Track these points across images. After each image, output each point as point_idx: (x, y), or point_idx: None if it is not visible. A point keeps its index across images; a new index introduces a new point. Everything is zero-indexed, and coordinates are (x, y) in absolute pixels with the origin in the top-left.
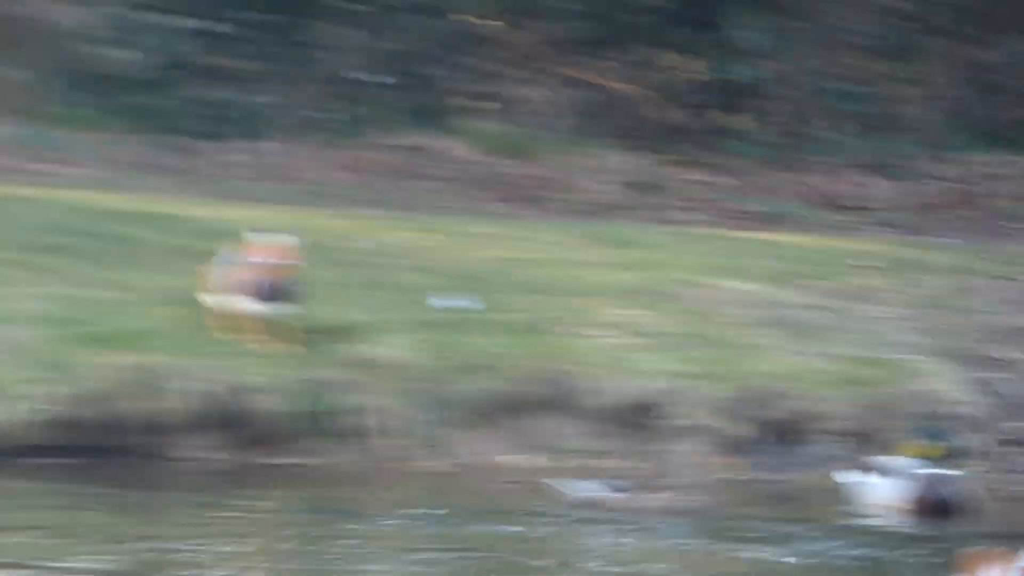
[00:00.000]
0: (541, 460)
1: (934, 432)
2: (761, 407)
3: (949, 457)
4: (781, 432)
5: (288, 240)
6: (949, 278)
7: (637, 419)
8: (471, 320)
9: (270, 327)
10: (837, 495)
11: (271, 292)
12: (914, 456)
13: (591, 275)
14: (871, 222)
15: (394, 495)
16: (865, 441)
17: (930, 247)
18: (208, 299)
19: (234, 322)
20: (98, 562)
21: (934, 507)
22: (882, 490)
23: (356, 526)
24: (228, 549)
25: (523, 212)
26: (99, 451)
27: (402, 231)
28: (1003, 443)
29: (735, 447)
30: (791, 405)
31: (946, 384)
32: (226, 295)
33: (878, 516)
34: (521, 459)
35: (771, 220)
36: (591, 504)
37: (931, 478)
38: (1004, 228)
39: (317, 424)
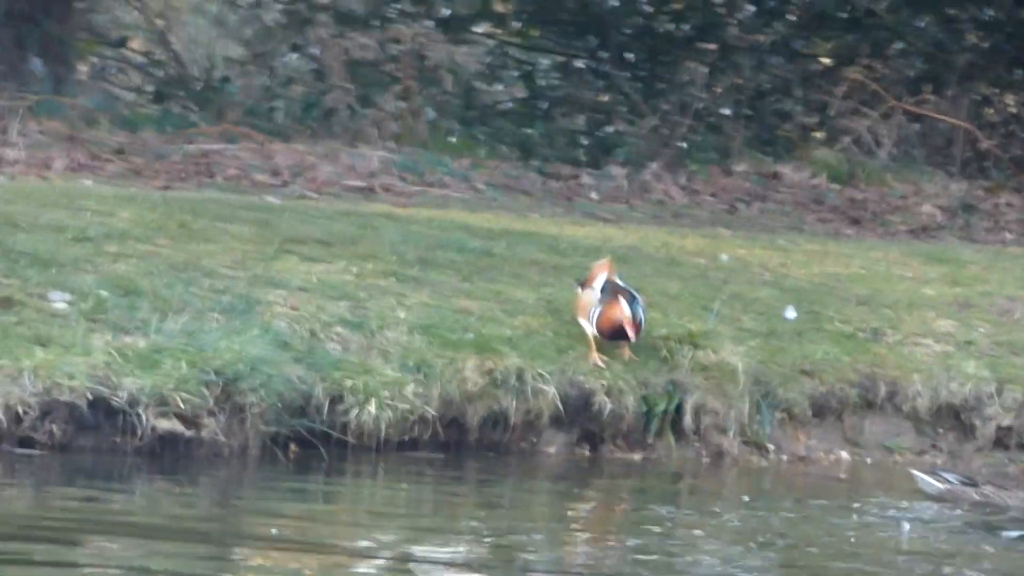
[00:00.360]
0: (867, 456)
1: None
2: None
3: None
4: None
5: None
6: None
7: (953, 421)
8: (804, 329)
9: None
10: None
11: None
12: None
13: (911, 289)
14: None
15: (736, 489)
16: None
17: None
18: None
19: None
20: (462, 544)
21: None
22: None
23: (700, 517)
24: (581, 535)
25: (848, 231)
26: (462, 446)
27: (747, 248)
28: None
29: None
30: None
31: None
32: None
33: None
34: (845, 455)
35: None
36: (953, 497)
37: None
38: None
39: (661, 423)
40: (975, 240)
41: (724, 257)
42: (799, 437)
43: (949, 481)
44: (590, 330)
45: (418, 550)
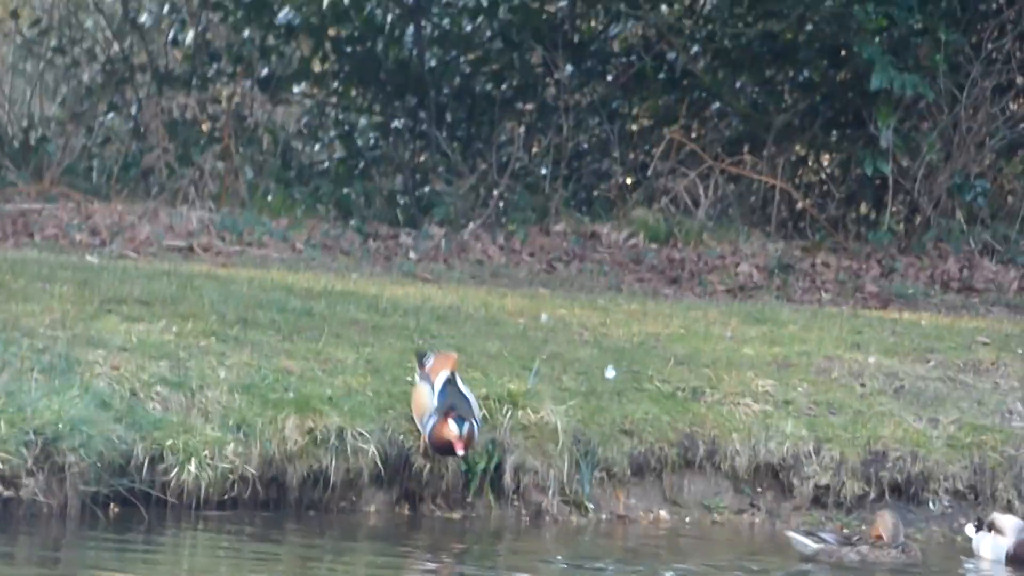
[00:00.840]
0: (686, 515)
1: None
2: (883, 469)
3: None
4: (897, 491)
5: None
6: None
7: (772, 479)
8: (624, 388)
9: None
10: (958, 549)
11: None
12: None
13: (730, 348)
14: (984, 302)
15: (554, 548)
16: (978, 501)
17: None
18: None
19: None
20: None
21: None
22: (987, 544)
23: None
24: None
25: (667, 291)
26: (283, 505)
27: (567, 308)
28: None
29: (859, 505)
30: (908, 467)
31: None
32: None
33: (990, 570)
34: (665, 514)
35: (893, 299)
36: (828, 556)
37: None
38: None
39: (481, 482)
40: (792, 300)
41: (544, 317)
42: (619, 496)
43: (825, 540)
44: (422, 431)
45: None
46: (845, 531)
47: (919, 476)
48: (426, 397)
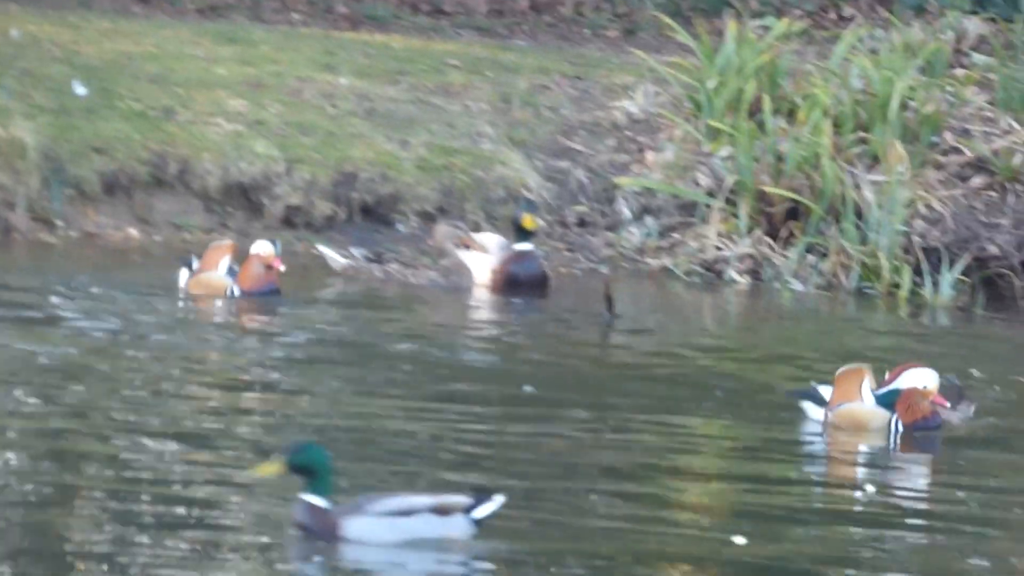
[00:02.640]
0: (155, 234)
1: (531, 206)
2: (353, 189)
3: (530, 235)
4: (369, 212)
5: None
6: (529, 77)
7: (243, 200)
8: (95, 107)
9: None
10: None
11: None
12: (520, 228)
13: (203, 68)
14: (458, 25)
15: (25, 264)
16: (444, 220)
17: (514, 49)
18: None
19: None
20: None
21: (516, 279)
22: (473, 261)
23: None
24: None
25: (138, 8)
26: None
27: (37, 24)
28: (567, 225)
29: (329, 226)
30: (380, 188)
31: (520, 171)
32: None
33: (469, 287)
34: (135, 232)
35: (364, 21)
36: (356, 272)
37: (514, 253)
38: (578, 33)
39: None
40: (264, 20)
41: (14, 33)
42: (89, 214)
43: (354, 256)
44: None
45: None
46: (378, 249)
47: (389, 198)
48: None
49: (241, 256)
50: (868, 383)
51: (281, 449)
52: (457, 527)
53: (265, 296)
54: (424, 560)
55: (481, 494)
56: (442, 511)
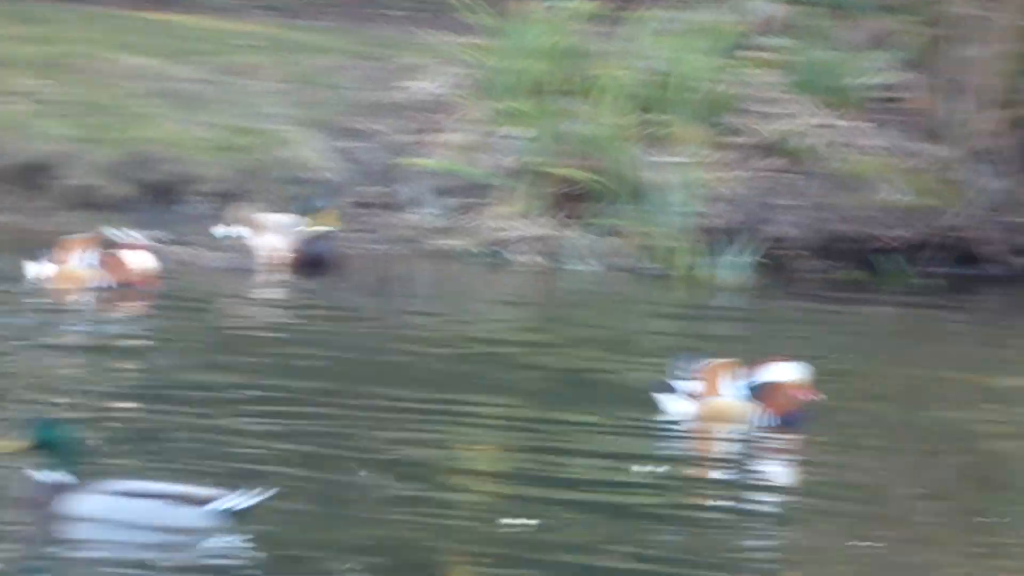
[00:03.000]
0: None
1: (310, 207)
2: (144, 170)
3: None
4: (160, 192)
5: None
6: (321, 57)
7: (35, 179)
8: None
9: None
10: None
11: None
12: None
13: None
14: (253, 5)
15: None
16: (236, 201)
17: (306, 29)
18: None
19: None
20: None
21: (309, 261)
22: (264, 243)
23: None
24: None
25: None
26: None
27: None
28: (359, 205)
29: (118, 206)
30: (171, 168)
31: (312, 152)
32: None
33: (261, 269)
34: None
35: (164, 1)
36: None
37: (306, 235)
38: (371, 14)
39: None
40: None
41: None
42: None
43: (141, 238)
44: None
45: None
46: (161, 232)
47: (181, 178)
48: None
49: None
50: (733, 377)
51: (26, 425)
52: (195, 517)
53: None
54: (167, 547)
55: (241, 487)
56: (185, 500)
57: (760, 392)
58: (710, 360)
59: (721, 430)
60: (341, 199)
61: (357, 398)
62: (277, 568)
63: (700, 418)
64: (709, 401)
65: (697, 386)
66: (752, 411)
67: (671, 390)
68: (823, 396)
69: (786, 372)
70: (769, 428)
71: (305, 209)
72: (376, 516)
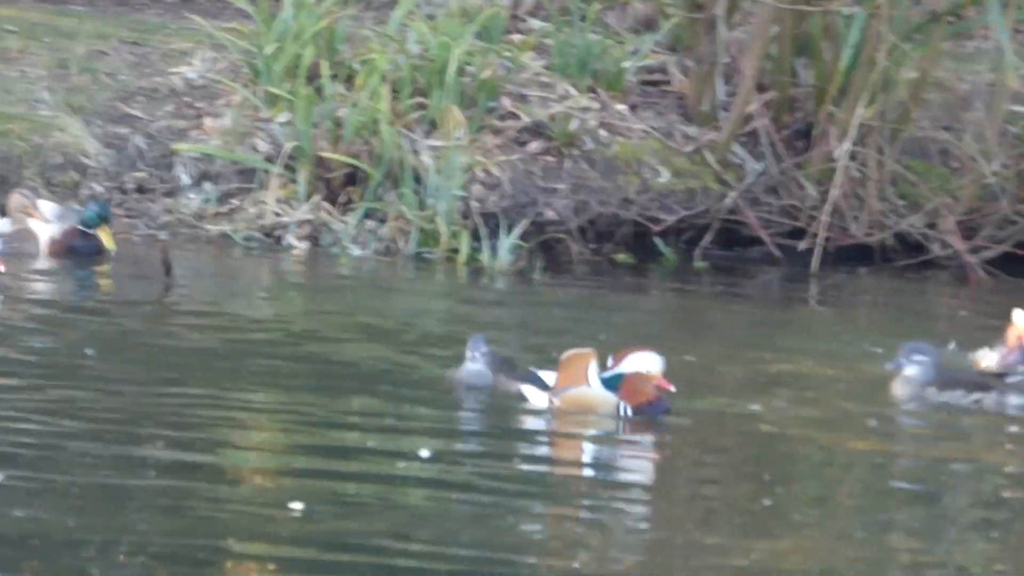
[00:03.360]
0: None
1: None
2: None
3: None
4: None
5: None
6: (84, 42)
7: None
8: None
9: None
10: None
11: None
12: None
13: None
14: None
15: None
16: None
17: (67, 14)
18: None
19: None
20: None
21: (75, 248)
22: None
23: None
24: None
25: None
26: None
27: None
28: (127, 191)
29: None
30: None
31: (78, 138)
32: None
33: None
34: None
35: None
36: None
37: (71, 225)
38: (147, 1)
39: None
40: None
41: None
42: None
43: None
44: None
45: None
46: None
47: None
48: None
49: None
50: (594, 367)
51: None
52: None
53: None
54: None
55: None
56: None
57: (615, 383)
58: (572, 351)
59: (579, 420)
60: (106, 184)
61: (130, 383)
62: None
63: (560, 409)
64: (570, 391)
65: (553, 376)
66: (612, 402)
67: (539, 381)
68: (674, 388)
69: (642, 363)
70: (624, 419)
71: (86, 222)
72: (159, 504)
